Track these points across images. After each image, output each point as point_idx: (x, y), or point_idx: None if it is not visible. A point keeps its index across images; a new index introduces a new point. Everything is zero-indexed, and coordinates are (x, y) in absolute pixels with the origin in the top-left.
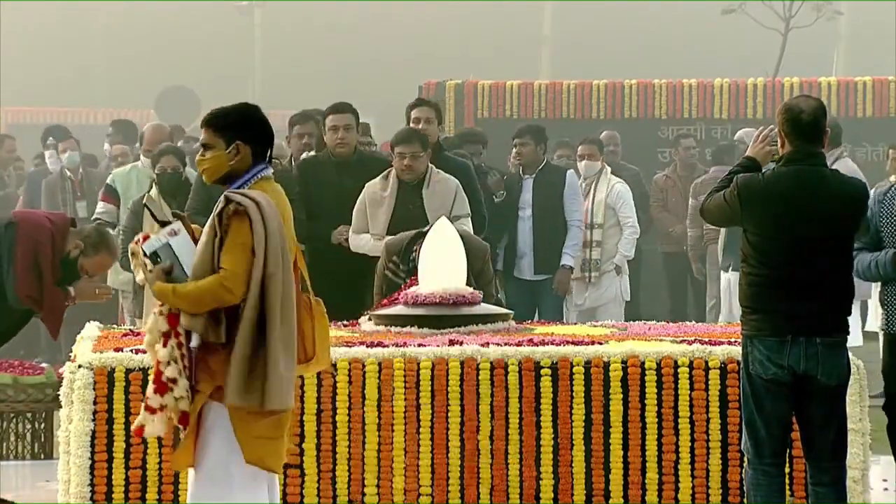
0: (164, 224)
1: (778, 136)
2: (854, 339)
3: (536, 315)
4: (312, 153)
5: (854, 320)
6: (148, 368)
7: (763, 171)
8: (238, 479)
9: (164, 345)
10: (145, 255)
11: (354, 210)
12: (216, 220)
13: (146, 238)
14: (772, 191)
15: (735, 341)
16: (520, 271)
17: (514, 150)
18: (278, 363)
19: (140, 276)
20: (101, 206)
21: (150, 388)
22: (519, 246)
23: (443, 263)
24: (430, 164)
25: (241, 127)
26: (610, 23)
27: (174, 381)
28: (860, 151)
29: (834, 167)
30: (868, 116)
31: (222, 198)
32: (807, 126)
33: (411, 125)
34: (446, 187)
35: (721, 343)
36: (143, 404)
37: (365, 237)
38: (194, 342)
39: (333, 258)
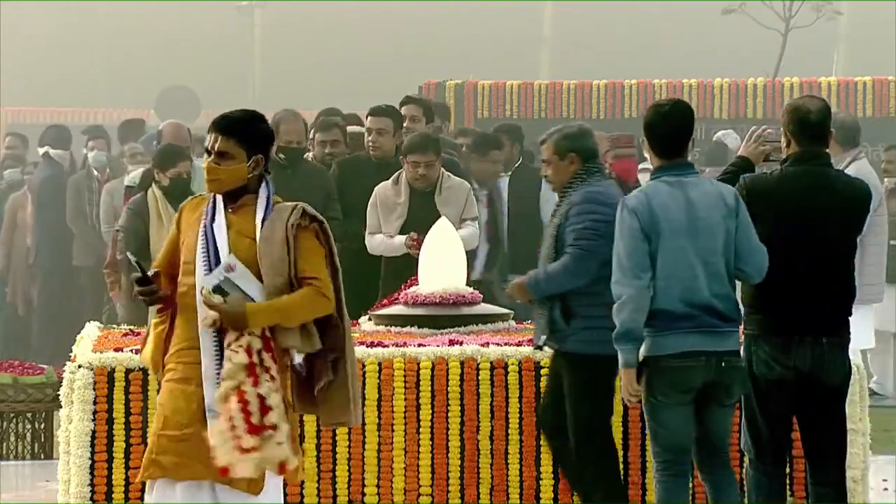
0: (143, 275)
1: (782, 136)
2: (867, 341)
3: None
4: (353, 153)
5: (867, 322)
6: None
7: (770, 171)
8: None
9: (256, 382)
10: (210, 292)
11: (368, 211)
12: (291, 230)
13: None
14: (780, 191)
15: None
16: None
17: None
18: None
19: (209, 319)
20: None
21: (243, 426)
22: None
23: (443, 263)
24: (441, 169)
25: (263, 139)
26: (610, 23)
27: (274, 427)
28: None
29: (849, 168)
30: (868, 116)
31: (296, 210)
32: (814, 126)
33: None
34: (458, 192)
35: None
36: (229, 442)
37: (378, 237)
38: (298, 359)
39: (367, 257)
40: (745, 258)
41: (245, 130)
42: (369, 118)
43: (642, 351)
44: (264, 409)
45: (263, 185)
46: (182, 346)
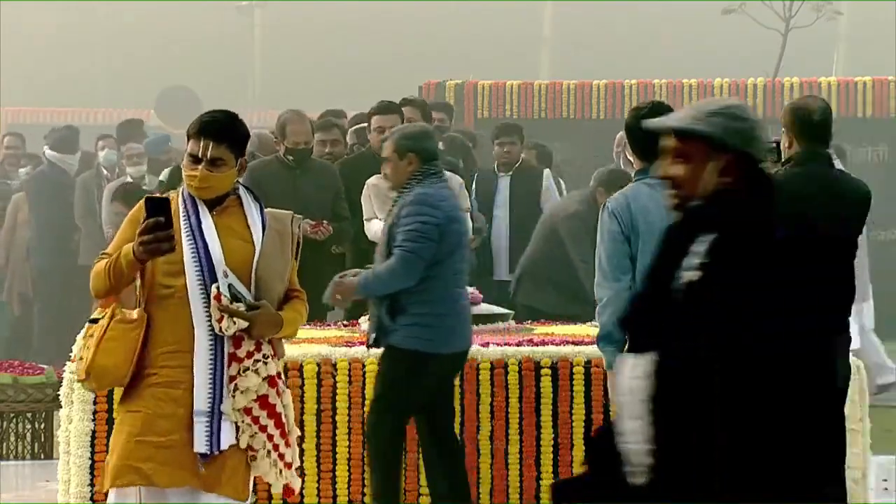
0: (165, 219)
1: (783, 136)
2: (853, 341)
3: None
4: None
5: (853, 322)
6: None
7: (775, 171)
8: None
9: (279, 393)
10: (229, 300)
11: (363, 202)
12: (293, 238)
13: (217, 295)
14: (787, 191)
15: None
16: (496, 272)
17: (501, 148)
18: None
19: (234, 328)
20: None
21: (282, 441)
22: (494, 246)
23: None
24: None
25: (246, 140)
26: (610, 23)
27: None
28: (860, 151)
29: None
30: (868, 116)
31: (295, 219)
32: (818, 126)
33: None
34: (450, 185)
35: None
36: (277, 462)
37: (376, 222)
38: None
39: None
40: None
41: (234, 134)
42: (377, 117)
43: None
44: (289, 421)
45: (241, 187)
46: (167, 350)
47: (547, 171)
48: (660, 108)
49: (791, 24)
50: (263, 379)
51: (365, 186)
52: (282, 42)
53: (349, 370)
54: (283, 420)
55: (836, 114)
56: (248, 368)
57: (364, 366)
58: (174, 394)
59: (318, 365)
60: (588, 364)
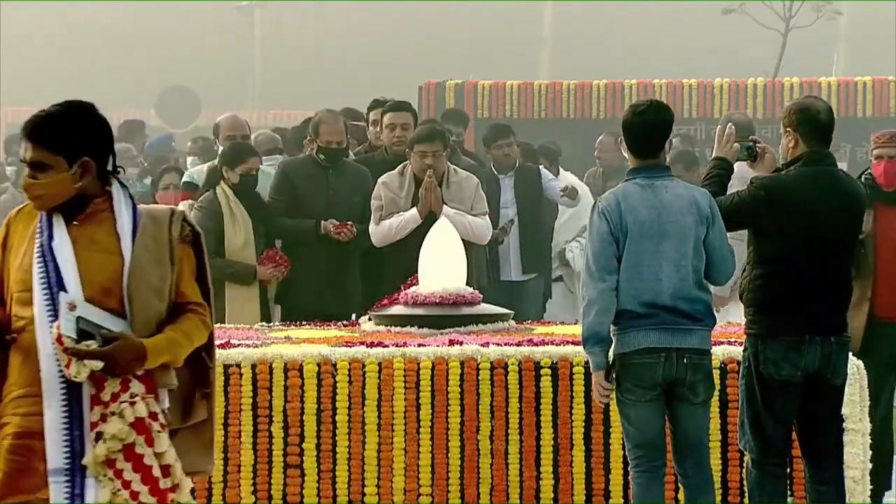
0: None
1: (785, 136)
2: None
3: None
4: (363, 152)
5: None
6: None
7: (784, 171)
8: None
9: (149, 440)
10: (76, 340)
11: (372, 203)
12: (176, 243)
13: (58, 337)
14: (798, 192)
15: (735, 341)
16: (506, 273)
17: (500, 151)
18: None
19: (83, 372)
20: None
21: (151, 500)
22: (502, 247)
23: (443, 263)
24: (448, 162)
25: (86, 138)
26: (610, 22)
27: (177, 486)
28: (860, 151)
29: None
30: (868, 116)
31: (176, 217)
32: (824, 127)
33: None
34: (466, 185)
35: (721, 343)
36: None
37: (387, 221)
38: (166, 403)
39: (397, 257)
40: (717, 265)
41: (54, 135)
42: (392, 114)
43: (611, 350)
44: (165, 470)
45: (116, 186)
46: (20, 394)
47: (541, 166)
48: (656, 106)
49: (791, 24)
50: (130, 424)
51: (376, 186)
52: (282, 42)
53: (349, 370)
54: (155, 474)
55: (836, 114)
56: (114, 413)
57: (364, 366)
58: (34, 445)
59: (318, 365)
60: (588, 364)
